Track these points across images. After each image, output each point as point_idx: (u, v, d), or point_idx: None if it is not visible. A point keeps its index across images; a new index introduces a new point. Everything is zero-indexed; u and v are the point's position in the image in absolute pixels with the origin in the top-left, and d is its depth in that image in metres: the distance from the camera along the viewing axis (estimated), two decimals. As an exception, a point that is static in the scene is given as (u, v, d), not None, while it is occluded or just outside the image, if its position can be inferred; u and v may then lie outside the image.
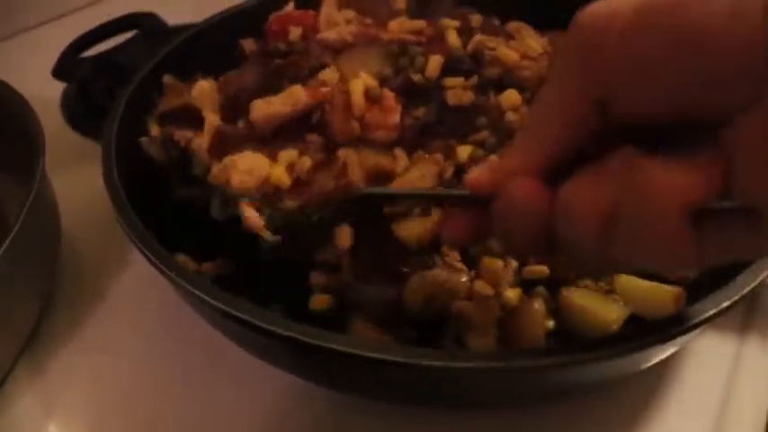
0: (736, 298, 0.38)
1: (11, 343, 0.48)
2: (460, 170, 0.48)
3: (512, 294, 0.45)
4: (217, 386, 0.49)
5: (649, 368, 0.44)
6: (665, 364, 0.48)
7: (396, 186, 0.48)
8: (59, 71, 0.63)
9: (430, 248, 0.46)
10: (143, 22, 0.66)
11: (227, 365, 0.49)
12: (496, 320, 0.43)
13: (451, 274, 0.45)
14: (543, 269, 0.46)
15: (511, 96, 0.50)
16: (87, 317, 0.53)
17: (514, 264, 0.46)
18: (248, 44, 0.58)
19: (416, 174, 0.48)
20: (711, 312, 0.37)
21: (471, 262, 0.47)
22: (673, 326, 0.36)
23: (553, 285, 0.46)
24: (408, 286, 0.45)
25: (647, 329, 0.36)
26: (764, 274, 0.39)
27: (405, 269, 0.46)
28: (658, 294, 0.43)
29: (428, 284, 0.44)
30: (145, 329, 0.53)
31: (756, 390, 0.49)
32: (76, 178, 0.60)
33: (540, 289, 0.45)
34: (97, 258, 0.58)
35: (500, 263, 0.46)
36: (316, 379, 0.45)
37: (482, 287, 0.45)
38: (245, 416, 0.47)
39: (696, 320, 0.36)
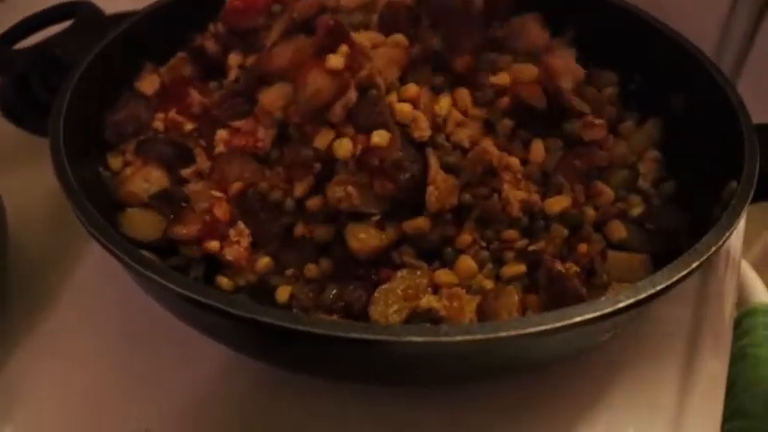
0: (696, 264, 0.40)
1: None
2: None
3: (486, 282, 0.46)
4: (179, 376, 0.48)
5: (611, 339, 0.45)
6: (626, 333, 0.50)
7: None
8: (-7, 65, 0.60)
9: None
10: (79, 11, 0.63)
11: (188, 354, 0.49)
12: (471, 308, 0.44)
13: (407, 275, 0.46)
14: (521, 268, 0.47)
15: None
16: (41, 317, 0.52)
17: (490, 266, 0.47)
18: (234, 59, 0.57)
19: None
20: (677, 277, 0.39)
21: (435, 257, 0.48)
22: (644, 290, 0.37)
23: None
24: (373, 310, 0.44)
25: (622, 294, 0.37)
26: (724, 238, 0.41)
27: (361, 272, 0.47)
28: (629, 261, 0.47)
29: (392, 301, 0.44)
30: (101, 326, 0.51)
31: (715, 356, 0.51)
32: (18, 174, 0.58)
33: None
34: (47, 257, 0.56)
35: (474, 264, 0.47)
36: (290, 364, 0.45)
37: (446, 276, 0.46)
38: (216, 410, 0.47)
39: (665, 284, 0.38)
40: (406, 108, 0.48)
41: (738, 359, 0.65)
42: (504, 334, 0.34)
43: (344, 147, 0.47)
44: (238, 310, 0.36)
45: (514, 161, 0.50)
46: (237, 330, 0.40)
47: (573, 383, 0.48)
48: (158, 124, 0.56)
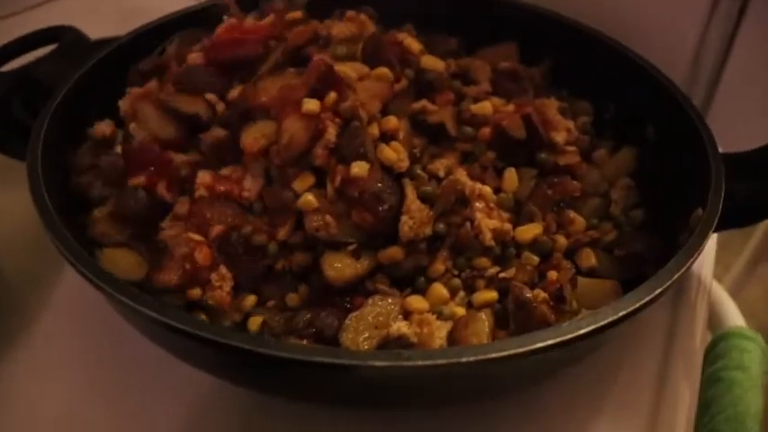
0: (659, 290, 0.40)
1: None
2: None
3: (458, 309, 0.46)
4: (158, 402, 0.48)
5: (585, 362, 0.46)
6: (601, 355, 0.51)
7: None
8: (-25, 88, 0.60)
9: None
10: (63, 36, 0.64)
11: (168, 379, 0.48)
12: (441, 334, 0.44)
13: (378, 302, 0.46)
14: (493, 294, 0.47)
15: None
16: (17, 343, 0.51)
17: (462, 293, 0.48)
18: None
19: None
20: (639, 304, 0.39)
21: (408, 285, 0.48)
22: (606, 316, 0.38)
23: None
24: (344, 337, 0.44)
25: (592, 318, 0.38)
26: (687, 265, 0.42)
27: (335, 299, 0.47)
28: (599, 287, 0.48)
29: (362, 328, 0.45)
30: (78, 352, 0.51)
31: (686, 378, 0.52)
32: None
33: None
34: (24, 280, 0.56)
35: (445, 291, 0.47)
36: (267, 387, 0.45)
37: (417, 302, 0.46)
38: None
39: (627, 310, 0.39)
40: (388, 152, 0.49)
41: (714, 382, 0.66)
42: (465, 359, 0.35)
43: (308, 201, 0.48)
44: (205, 332, 0.37)
45: (487, 190, 0.51)
46: (209, 355, 0.41)
47: (545, 406, 0.49)
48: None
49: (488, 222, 0.49)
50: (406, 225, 0.47)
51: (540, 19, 0.66)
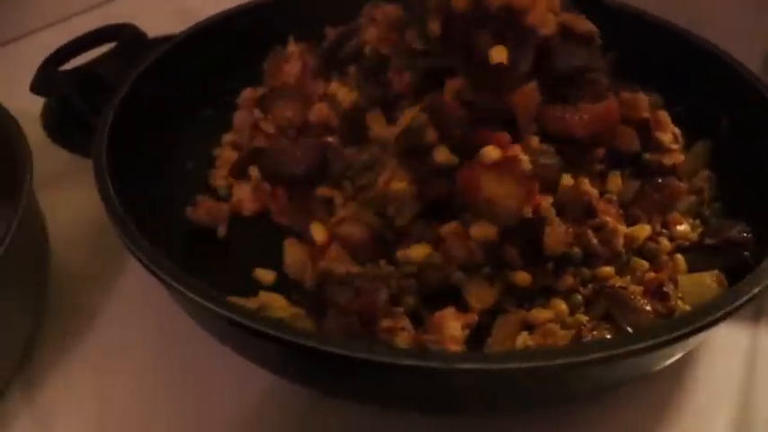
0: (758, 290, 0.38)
1: (3, 366, 0.46)
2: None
3: (581, 316, 0.45)
4: (219, 398, 0.47)
5: (666, 367, 0.44)
6: (681, 360, 0.48)
7: None
8: (37, 86, 0.60)
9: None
10: (122, 34, 0.63)
11: (229, 375, 0.47)
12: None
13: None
14: None
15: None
16: (80, 335, 0.51)
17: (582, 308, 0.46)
18: None
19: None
20: (738, 303, 0.37)
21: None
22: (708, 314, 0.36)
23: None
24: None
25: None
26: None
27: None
28: (700, 282, 0.46)
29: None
30: (140, 346, 0.51)
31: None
32: (61, 193, 0.59)
33: None
34: (89, 274, 0.55)
35: (565, 306, 0.45)
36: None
37: (541, 313, 0.45)
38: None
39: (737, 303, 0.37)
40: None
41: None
42: (560, 361, 0.33)
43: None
44: (276, 332, 0.36)
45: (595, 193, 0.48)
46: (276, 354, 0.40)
47: (622, 413, 0.46)
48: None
49: (619, 228, 0.47)
50: (551, 237, 0.44)
51: (604, 9, 0.64)
